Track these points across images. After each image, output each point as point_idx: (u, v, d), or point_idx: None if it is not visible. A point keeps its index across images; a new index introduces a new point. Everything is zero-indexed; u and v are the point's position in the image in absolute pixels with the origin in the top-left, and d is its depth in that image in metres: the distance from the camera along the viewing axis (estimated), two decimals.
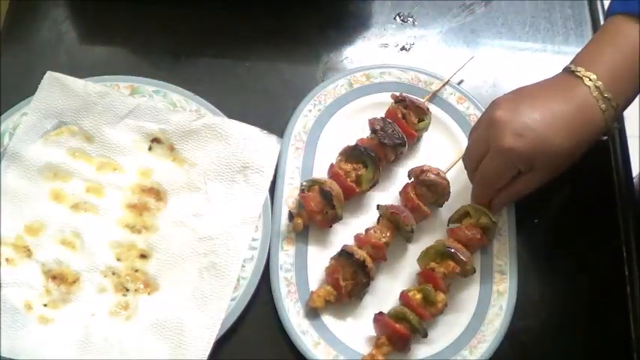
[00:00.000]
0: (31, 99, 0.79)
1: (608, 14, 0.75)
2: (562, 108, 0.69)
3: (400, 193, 0.77)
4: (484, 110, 0.74)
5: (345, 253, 0.72)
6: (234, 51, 0.87)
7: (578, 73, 0.70)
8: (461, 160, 0.79)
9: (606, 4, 0.90)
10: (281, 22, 0.88)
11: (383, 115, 0.80)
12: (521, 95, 0.72)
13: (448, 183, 0.76)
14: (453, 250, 0.72)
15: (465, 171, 0.76)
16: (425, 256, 0.74)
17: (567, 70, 0.72)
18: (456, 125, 0.82)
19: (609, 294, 0.76)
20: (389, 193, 0.79)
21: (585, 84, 0.69)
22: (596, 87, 0.69)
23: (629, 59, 0.70)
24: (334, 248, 0.75)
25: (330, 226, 0.76)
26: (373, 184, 0.77)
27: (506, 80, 0.86)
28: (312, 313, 0.73)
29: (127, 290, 0.72)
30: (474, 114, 0.82)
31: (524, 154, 0.68)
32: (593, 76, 0.69)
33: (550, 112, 0.69)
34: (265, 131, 0.79)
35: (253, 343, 0.73)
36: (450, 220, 0.76)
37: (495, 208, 0.75)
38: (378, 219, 0.76)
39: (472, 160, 0.74)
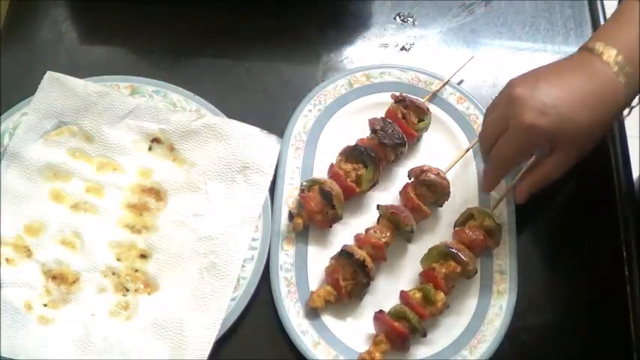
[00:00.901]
0: (31, 99, 0.79)
1: None
2: (583, 85, 0.68)
3: (400, 193, 0.77)
4: (500, 92, 0.72)
5: (345, 253, 0.72)
6: (234, 51, 0.87)
7: (596, 50, 0.68)
8: (461, 160, 0.79)
9: (606, 4, 0.90)
10: (281, 22, 0.88)
11: (383, 115, 0.80)
12: (539, 74, 0.70)
13: (448, 183, 0.76)
14: (454, 251, 0.72)
15: (463, 171, 0.76)
16: (427, 257, 0.74)
17: (585, 48, 0.70)
18: (456, 125, 0.82)
19: (609, 294, 0.76)
20: (389, 193, 0.79)
21: (604, 60, 0.68)
22: (616, 62, 0.67)
23: None
24: (334, 248, 0.75)
25: (330, 226, 0.76)
26: (373, 184, 0.77)
27: (506, 80, 0.85)
28: (312, 313, 0.73)
29: (127, 290, 0.72)
30: (473, 114, 0.82)
31: (545, 131, 0.67)
32: (613, 52, 0.68)
33: (571, 89, 0.68)
34: (265, 131, 0.79)
35: (253, 343, 0.73)
36: (456, 224, 0.76)
37: (520, 196, 0.74)
38: (378, 219, 0.76)
39: (489, 138, 0.71)
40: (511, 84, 0.70)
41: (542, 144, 0.69)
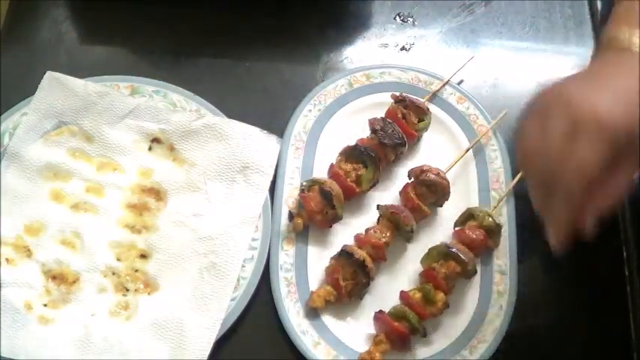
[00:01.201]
0: (31, 99, 0.79)
1: None
2: (628, 82, 0.56)
3: (400, 193, 0.77)
4: (537, 107, 0.58)
5: (345, 253, 0.72)
6: (234, 51, 0.87)
7: (622, 38, 0.60)
8: (461, 160, 0.79)
9: None
10: (281, 22, 0.88)
11: (383, 115, 0.80)
12: (581, 75, 0.59)
13: (448, 183, 0.76)
14: (454, 251, 0.72)
15: (463, 171, 0.75)
16: (427, 257, 0.74)
17: (607, 47, 0.61)
18: (456, 125, 0.82)
19: (609, 294, 0.76)
20: (389, 193, 0.79)
21: (634, 51, 0.59)
22: None
23: None
24: (334, 248, 0.75)
25: (330, 226, 0.76)
26: (373, 184, 0.77)
27: (506, 80, 0.86)
28: (312, 313, 0.73)
29: (127, 290, 0.72)
30: (473, 114, 0.82)
31: (625, 122, 0.53)
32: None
33: (618, 86, 0.56)
34: (265, 131, 0.79)
35: (253, 343, 0.73)
36: (456, 224, 0.76)
37: (593, 216, 0.57)
38: (378, 219, 0.76)
39: (553, 161, 0.55)
40: (554, 89, 0.58)
41: (622, 141, 0.54)
